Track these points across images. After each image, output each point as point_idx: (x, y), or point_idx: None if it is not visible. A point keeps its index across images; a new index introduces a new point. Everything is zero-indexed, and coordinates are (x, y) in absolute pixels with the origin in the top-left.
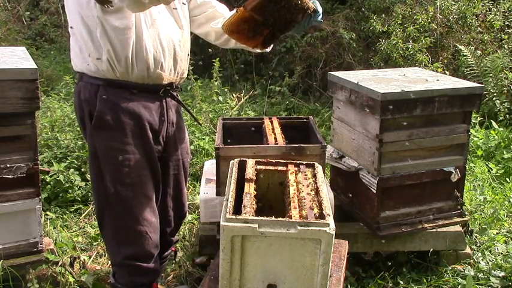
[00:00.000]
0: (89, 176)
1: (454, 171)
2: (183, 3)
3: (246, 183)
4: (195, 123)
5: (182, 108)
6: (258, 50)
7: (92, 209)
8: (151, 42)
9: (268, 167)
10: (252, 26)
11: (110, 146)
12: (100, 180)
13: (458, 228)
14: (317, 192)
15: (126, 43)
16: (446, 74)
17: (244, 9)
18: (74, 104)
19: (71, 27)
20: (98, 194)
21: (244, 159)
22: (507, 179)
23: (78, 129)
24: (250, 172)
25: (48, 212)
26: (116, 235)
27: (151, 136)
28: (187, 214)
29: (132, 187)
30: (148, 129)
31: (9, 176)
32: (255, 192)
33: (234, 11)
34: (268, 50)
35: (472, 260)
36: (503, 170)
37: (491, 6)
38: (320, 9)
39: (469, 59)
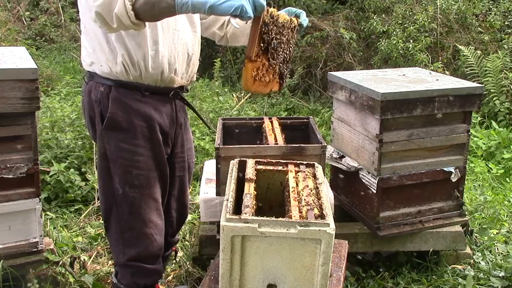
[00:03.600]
0: (89, 176)
1: (454, 171)
2: None
3: (246, 183)
4: (195, 122)
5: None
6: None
7: (92, 209)
8: (166, 48)
9: (268, 167)
10: (264, 69)
11: (120, 147)
12: (109, 180)
13: (458, 228)
14: (317, 192)
15: (140, 47)
16: (446, 74)
17: (249, 60)
18: (82, 102)
19: (84, 27)
20: (105, 194)
21: (244, 159)
22: (507, 179)
23: (79, 129)
24: (250, 172)
25: (48, 212)
26: (122, 236)
27: (161, 138)
28: (188, 215)
29: (140, 189)
30: (159, 132)
31: (9, 176)
32: (255, 192)
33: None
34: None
35: (472, 260)
36: (503, 170)
37: (491, 6)
38: (305, 22)
39: (469, 59)
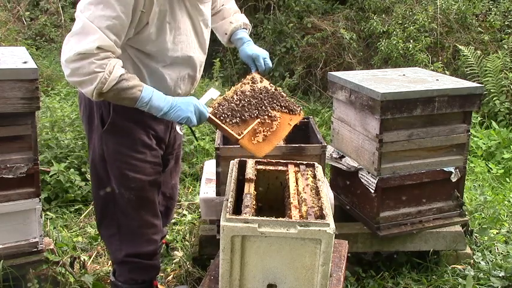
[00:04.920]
0: (89, 176)
1: (454, 171)
2: (208, 26)
3: (246, 183)
4: None
5: None
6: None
7: (92, 209)
8: (174, 76)
9: (268, 167)
10: (261, 127)
11: (118, 151)
12: (106, 180)
13: (458, 228)
14: (317, 192)
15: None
16: (446, 74)
17: (236, 141)
18: (79, 97)
19: None
20: (103, 192)
21: (244, 159)
22: (507, 179)
23: (78, 129)
24: (250, 172)
25: (48, 212)
26: (119, 233)
27: (155, 143)
28: (174, 206)
29: (136, 191)
30: (156, 139)
31: (9, 176)
32: (255, 192)
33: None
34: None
35: (472, 260)
36: (503, 170)
37: (491, 6)
38: (261, 67)
39: (469, 59)
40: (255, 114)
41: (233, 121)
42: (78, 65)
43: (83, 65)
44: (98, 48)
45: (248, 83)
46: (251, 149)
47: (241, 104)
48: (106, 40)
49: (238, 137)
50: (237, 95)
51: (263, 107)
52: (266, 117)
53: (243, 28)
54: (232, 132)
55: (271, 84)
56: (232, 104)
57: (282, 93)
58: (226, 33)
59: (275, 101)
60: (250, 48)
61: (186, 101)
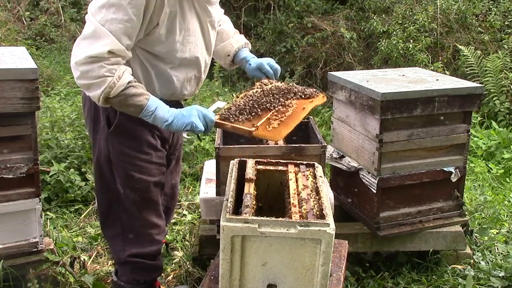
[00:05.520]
0: (88, 176)
1: (454, 171)
2: (214, 28)
3: (246, 183)
4: None
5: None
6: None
7: (92, 209)
8: (181, 77)
9: (268, 167)
10: (274, 116)
11: (124, 152)
12: (111, 180)
13: (458, 228)
14: (317, 192)
15: (158, 70)
16: (446, 74)
17: (251, 133)
18: (83, 97)
19: None
20: (107, 192)
21: (244, 159)
22: (507, 179)
23: (78, 129)
24: (250, 172)
25: (48, 212)
26: (122, 233)
27: (160, 143)
28: (175, 206)
29: (141, 192)
30: (161, 139)
31: (9, 176)
32: (255, 192)
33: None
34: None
35: (472, 260)
36: (503, 170)
37: (491, 6)
38: (269, 73)
39: (469, 59)
40: (267, 107)
41: (243, 117)
42: (88, 68)
43: (93, 68)
44: (109, 52)
45: (257, 87)
46: (268, 136)
47: (250, 103)
48: (117, 44)
49: (252, 129)
50: (245, 98)
51: (276, 100)
52: (280, 106)
53: (244, 47)
54: (244, 128)
55: (282, 83)
56: (241, 106)
57: (296, 85)
58: (228, 55)
59: (288, 93)
60: (255, 62)
61: (188, 108)
